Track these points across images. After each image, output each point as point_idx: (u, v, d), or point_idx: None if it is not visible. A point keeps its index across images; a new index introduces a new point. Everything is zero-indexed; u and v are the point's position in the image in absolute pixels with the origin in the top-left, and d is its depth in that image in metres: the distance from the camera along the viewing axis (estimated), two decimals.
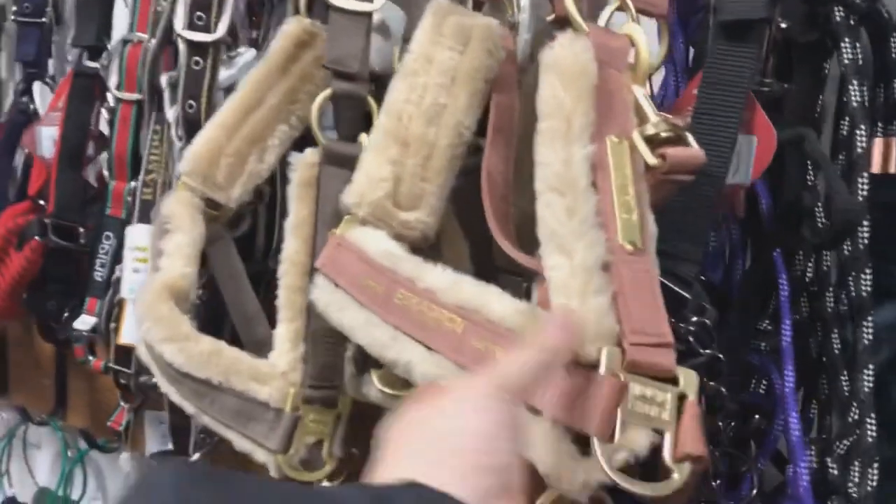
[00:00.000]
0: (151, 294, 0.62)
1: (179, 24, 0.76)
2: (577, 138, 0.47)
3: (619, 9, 0.57)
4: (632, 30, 0.48)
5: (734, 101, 0.53)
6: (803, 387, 0.61)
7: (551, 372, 0.43)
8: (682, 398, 0.44)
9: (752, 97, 0.55)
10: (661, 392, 0.43)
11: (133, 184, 0.88)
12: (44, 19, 1.06)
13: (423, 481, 0.35)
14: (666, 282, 0.51)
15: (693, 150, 0.47)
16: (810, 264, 0.60)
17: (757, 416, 0.61)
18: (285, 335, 0.65)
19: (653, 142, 0.48)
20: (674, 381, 0.44)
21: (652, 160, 0.46)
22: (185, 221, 0.68)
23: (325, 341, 0.62)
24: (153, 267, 0.66)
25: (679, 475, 0.42)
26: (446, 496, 0.34)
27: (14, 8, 1.07)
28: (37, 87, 1.09)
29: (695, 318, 0.52)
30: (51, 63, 1.10)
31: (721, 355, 0.52)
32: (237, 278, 0.73)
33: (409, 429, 0.39)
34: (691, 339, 0.51)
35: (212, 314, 0.75)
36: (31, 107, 1.09)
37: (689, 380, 0.44)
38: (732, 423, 0.60)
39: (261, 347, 0.67)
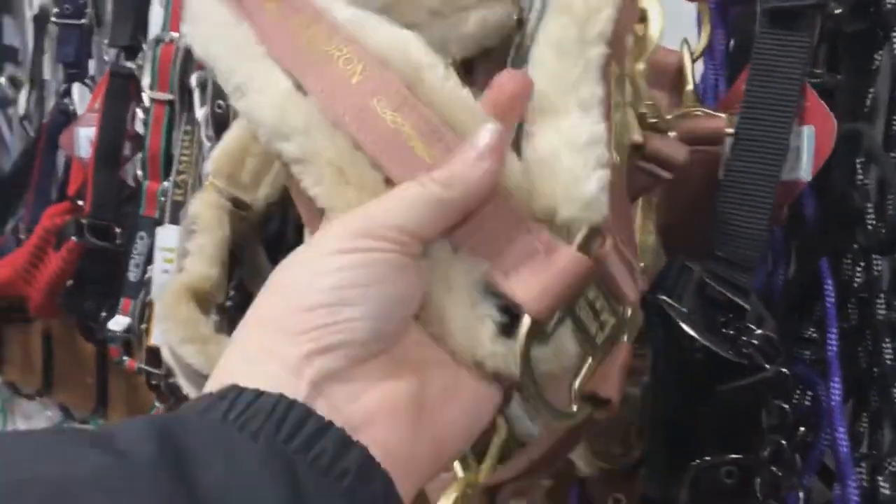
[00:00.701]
0: (172, 295, 0.61)
1: None
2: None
3: None
4: (646, 3, 0.44)
5: (787, 92, 0.49)
6: (852, 399, 0.57)
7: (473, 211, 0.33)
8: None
9: (807, 85, 0.51)
10: (610, 314, 0.35)
11: (165, 184, 0.88)
12: (84, 21, 1.07)
13: (253, 359, 0.30)
14: (723, 290, 0.48)
15: (676, 144, 0.44)
16: (859, 269, 0.56)
17: (802, 429, 0.58)
18: None
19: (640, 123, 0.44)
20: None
21: (638, 137, 0.42)
22: (210, 222, 0.67)
23: None
24: (177, 267, 0.66)
25: (578, 411, 0.35)
26: (257, 397, 0.29)
27: (55, 10, 1.09)
28: (77, 88, 1.11)
29: (759, 332, 0.48)
30: (92, 64, 1.12)
31: (786, 370, 0.49)
32: (266, 279, 0.72)
33: (263, 291, 0.33)
34: (755, 352, 0.48)
35: (242, 316, 0.74)
36: (72, 108, 1.10)
37: (633, 321, 0.37)
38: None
39: None
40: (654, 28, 0.44)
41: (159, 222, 0.88)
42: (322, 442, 0.29)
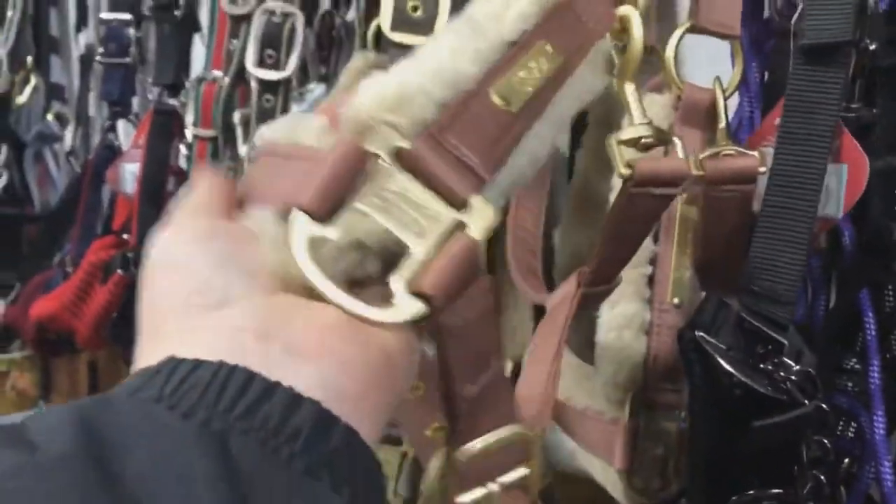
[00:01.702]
0: None
1: (250, 62, 0.78)
2: None
3: (690, 31, 0.55)
4: (626, 11, 0.41)
5: (822, 129, 0.49)
6: None
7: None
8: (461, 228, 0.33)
9: (841, 124, 0.52)
10: (438, 206, 0.33)
11: None
12: (128, 59, 1.10)
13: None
14: (760, 325, 0.48)
15: (669, 160, 0.42)
16: None
17: (847, 460, 0.57)
18: None
19: (634, 147, 0.42)
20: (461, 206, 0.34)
21: (622, 170, 0.40)
22: None
23: None
24: None
25: (401, 309, 0.31)
26: (195, 367, 0.27)
27: (100, 50, 1.12)
28: (121, 124, 1.14)
29: (797, 367, 0.47)
30: (135, 101, 1.15)
31: (825, 405, 0.48)
32: None
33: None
34: (793, 388, 0.47)
35: None
36: (117, 143, 1.13)
37: (481, 215, 0.33)
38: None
39: None
40: (637, 38, 0.41)
41: None
42: (268, 405, 0.26)
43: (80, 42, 1.24)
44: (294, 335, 0.28)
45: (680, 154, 0.41)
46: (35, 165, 1.25)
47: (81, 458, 0.24)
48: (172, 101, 1.00)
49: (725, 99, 0.53)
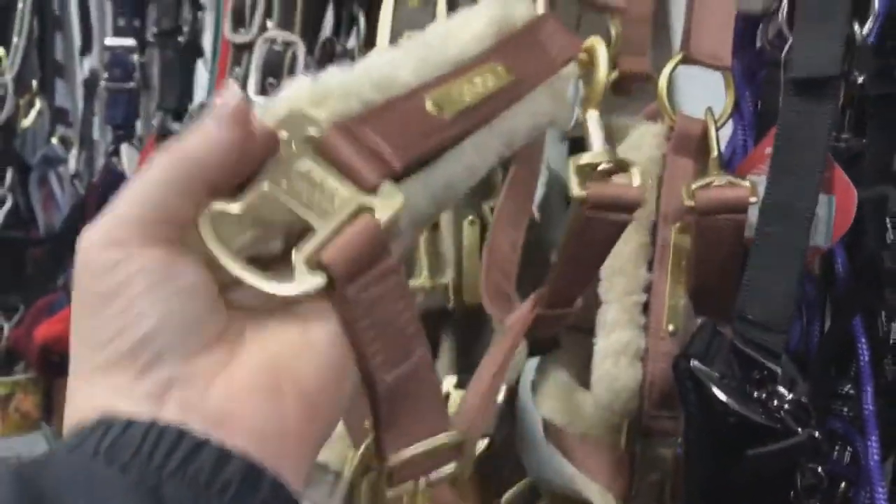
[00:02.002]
0: None
1: (252, 90, 0.79)
2: None
3: (682, 62, 0.56)
4: (593, 41, 0.43)
5: (812, 160, 0.50)
6: (893, 456, 0.57)
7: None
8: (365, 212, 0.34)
9: (830, 156, 0.52)
10: (345, 190, 0.33)
11: None
12: (131, 84, 1.12)
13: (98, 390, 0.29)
14: (754, 354, 0.49)
15: (624, 186, 0.42)
16: (895, 324, 0.57)
17: (843, 485, 0.58)
18: None
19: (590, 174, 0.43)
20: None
21: (577, 192, 0.42)
22: None
23: None
24: None
25: (301, 282, 0.31)
26: (127, 427, 0.27)
27: (105, 75, 1.13)
28: (125, 148, 1.15)
29: (790, 396, 0.47)
30: (139, 124, 1.16)
31: (818, 434, 0.49)
32: None
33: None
34: (786, 417, 0.48)
35: None
36: (120, 167, 1.15)
37: (388, 200, 0.34)
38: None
39: None
40: (602, 67, 0.43)
41: None
42: (198, 460, 0.27)
43: (85, 66, 1.26)
44: (214, 406, 0.29)
45: (636, 181, 0.42)
46: (40, 188, 1.26)
47: None
48: (176, 126, 1.02)
49: (717, 129, 0.53)
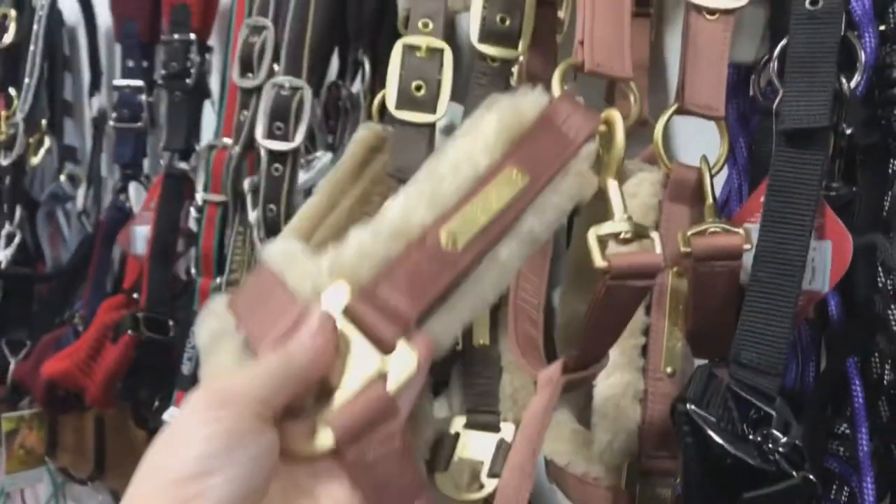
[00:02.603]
0: None
1: (260, 133, 0.81)
2: None
3: (677, 112, 0.58)
4: (610, 114, 0.45)
5: (804, 209, 0.52)
6: (889, 496, 0.58)
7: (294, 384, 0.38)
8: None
9: (824, 202, 0.54)
10: (368, 353, 0.39)
11: (218, 280, 0.93)
12: (139, 124, 1.14)
13: None
14: (749, 397, 0.50)
15: (644, 254, 0.45)
16: (888, 366, 0.58)
17: None
18: None
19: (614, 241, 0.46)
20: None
21: (599, 262, 0.44)
22: None
23: None
24: None
25: (315, 444, 0.37)
26: None
27: (113, 114, 1.16)
28: (132, 186, 1.17)
29: (785, 440, 0.49)
30: (146, 162, 1.18)
31: (813, 476, 0.50)
32: None
33: (139, 468, 0.37)
34: (781, 459, 0.49)
35: None
36: (128, 205, 1.16)
37: (402, 364, 0.39)
38: None
39: None
40: (620, 138, 0.45)
41: None
42: None
43: (94, 106, 1.28)
44: None
45: (657, 249, 0.45)
46: (47, 224, 1.27)
47: None
48: (183, 165, 1.03)
49: (712, 177, 0.55)
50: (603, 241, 0.45)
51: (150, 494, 0.34)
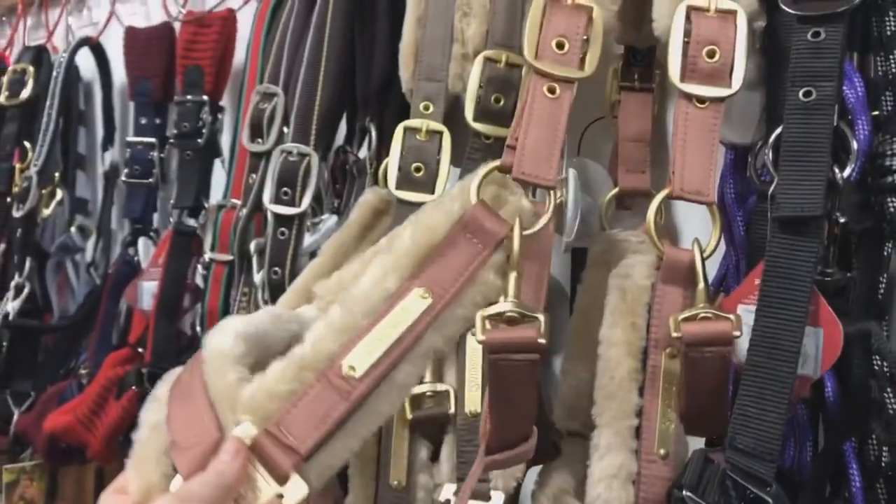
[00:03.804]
0: None
1: (267, 197, 0.82)
2: None
3: (669, 197, 0.58)
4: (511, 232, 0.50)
5: (798, 295, 0.52)
6: None
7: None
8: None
9: (816, 290, 0.55)
10: (266, 483, 0.46)
11: None
12: (150, 180, 1.16)
13: None
14: (745, 483, 0.50)
15: (520, 329, 0.48)
16: (885, 450, 0.58)
17: None
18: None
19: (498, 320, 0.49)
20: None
21: (479, 337, 0.48)
22: None
23: None
24: None
25: None
26: None
27: (125, 170, 1.18)
28: (141, 240, 1.18)
29: None
30: (156, 216, 1.20)
31: None
32: None
33: None
34: None
35: None
36: (136, 258, 1.18)
37: (294, 492, 0.46)
38: None
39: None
40: (515, 253, 0.49)
41: None
42: None
43: (106, 160, 1.30)
44: None
45: (542, 328, 0.48)
46: (56, 274, 1.29)
47: None
48: (192, 222, 1.05)
49: (703, 260, 0.55)
50: (494, 322, 0.48)
51: None
